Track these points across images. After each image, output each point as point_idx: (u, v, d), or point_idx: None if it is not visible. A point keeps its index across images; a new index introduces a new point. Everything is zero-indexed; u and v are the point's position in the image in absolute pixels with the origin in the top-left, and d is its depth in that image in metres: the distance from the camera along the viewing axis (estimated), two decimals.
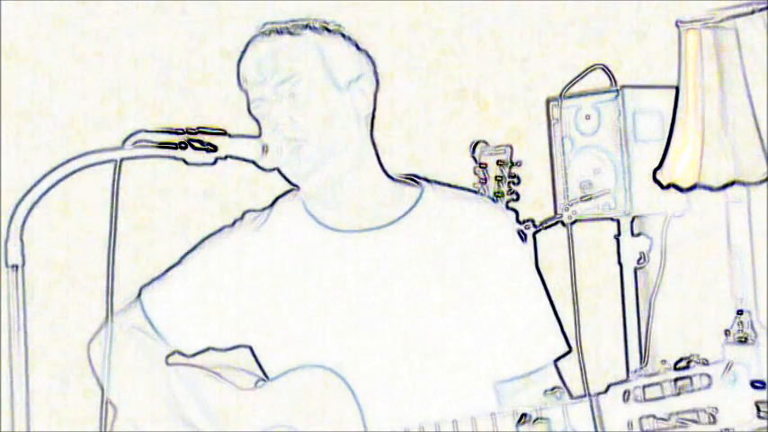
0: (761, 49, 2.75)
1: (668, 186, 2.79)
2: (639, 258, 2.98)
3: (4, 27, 2.98)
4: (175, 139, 2.51)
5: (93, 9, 3.00)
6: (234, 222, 2.76)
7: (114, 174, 2.46)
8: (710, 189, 2.75)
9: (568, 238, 2.95)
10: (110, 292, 2.51)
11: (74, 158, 2.45)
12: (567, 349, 2.70)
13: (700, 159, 2.74)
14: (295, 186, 2.70)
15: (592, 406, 2.44)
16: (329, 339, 2.64)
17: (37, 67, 3.00)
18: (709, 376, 2.35)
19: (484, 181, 3.00)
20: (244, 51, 2.68)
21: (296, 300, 2.66)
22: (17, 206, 2.41)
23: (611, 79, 2.97)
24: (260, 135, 2.63)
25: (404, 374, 2.62)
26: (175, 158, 2.52)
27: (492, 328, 2.64)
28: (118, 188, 2.47)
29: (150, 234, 2.97)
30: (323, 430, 2.61)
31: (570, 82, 2.96)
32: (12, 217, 2.40)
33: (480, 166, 3.01)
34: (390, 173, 2.72)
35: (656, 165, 2.83)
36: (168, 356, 2.72)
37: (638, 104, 2.94)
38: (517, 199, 3.00)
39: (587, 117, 2.96)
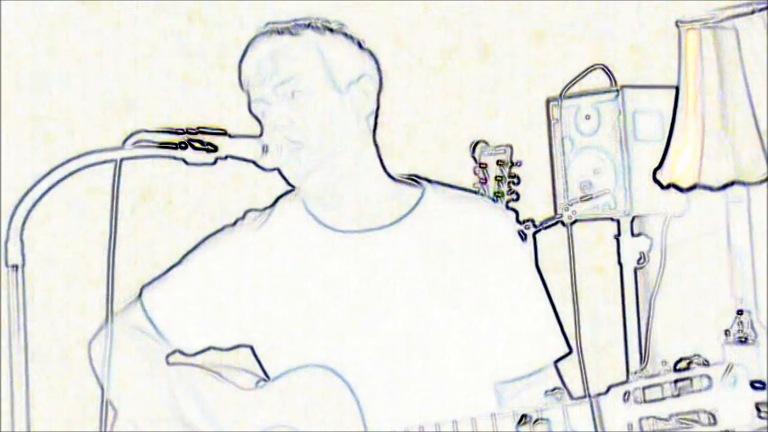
0: (761, 49, 2.75)
1: (668, 186, 2.79)
2: (639, 258, 2.98)
3: (4, 27, 2.98)
4: (175, 139, 2.51)
5: (93, 9, 3.00)
6: (235, 222, 2.76)
7: (114, 174, 2.46)
8: (710, 189, 2.75)
9: (568, 238, 2.95)
10: (110, 292, 2.51)
11: (74, 158, 2.45)
12: (567, 350, 2.70)
13: (700, 159, 2.74)
14: (294, 188, 2.70)
15: (592, 407, 2.44)
16: (330, 339, 2.63)
17: (37, 67, 3.00)
18: (709, 378, 2.35)
19: (484, 181, 3.00)
20: (244, 51, 2.68)
21: (297, 300, 2.66)
22: (17, 206, 2.41)
23: (611, 79, 2.96)
24: (260, 135, 2.63)
25: (404, 375, 2.62)
26: (175, 158, 2.52)
27: (492, 328, 2.64)
28: (118, 188, 2.47)
29: (150, 234, 2.97)
30: (323, 430, 2.61)
31: (570, 82, 2.96)
32: (12, 217, 2.40)
33: (480, 166, 3.01)
34: (391, 173, 2.71)
35: (656, 165, 2.82)
36: (169, 356, 2.71)
37: (638, 104, 2.93)
38: (517, 199, 3.00)
39: (587, 117, 2.96)
